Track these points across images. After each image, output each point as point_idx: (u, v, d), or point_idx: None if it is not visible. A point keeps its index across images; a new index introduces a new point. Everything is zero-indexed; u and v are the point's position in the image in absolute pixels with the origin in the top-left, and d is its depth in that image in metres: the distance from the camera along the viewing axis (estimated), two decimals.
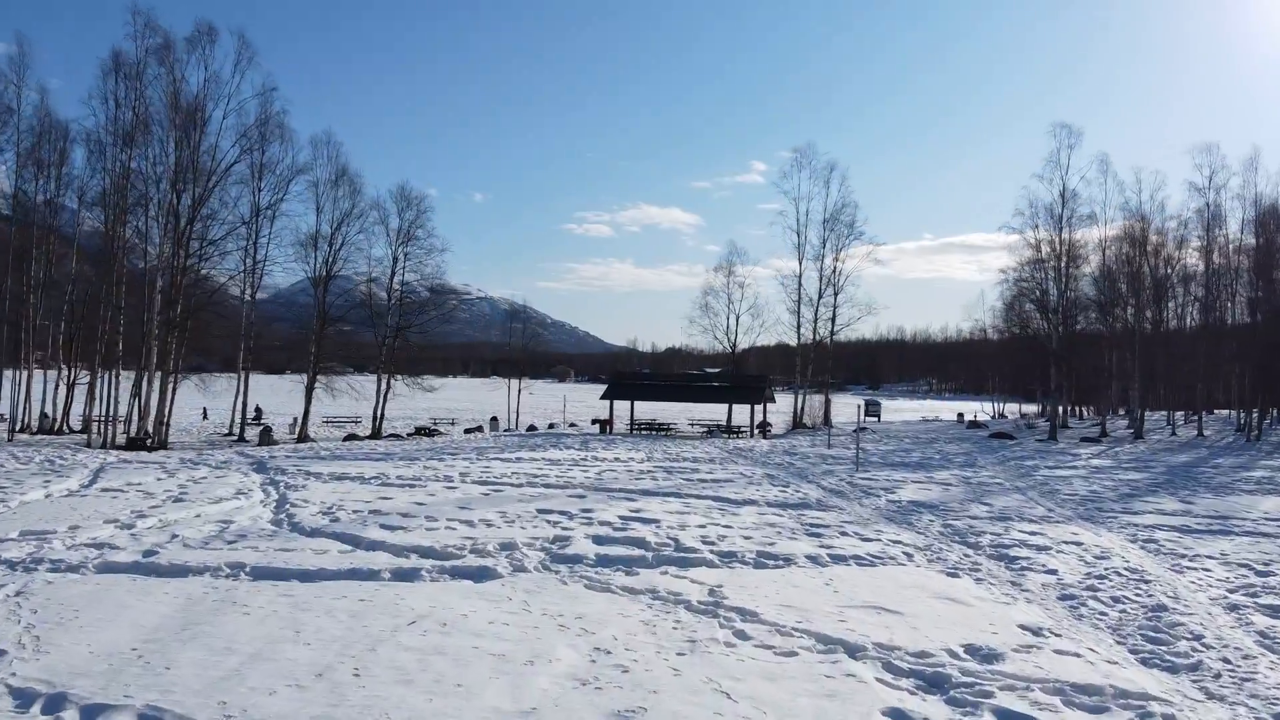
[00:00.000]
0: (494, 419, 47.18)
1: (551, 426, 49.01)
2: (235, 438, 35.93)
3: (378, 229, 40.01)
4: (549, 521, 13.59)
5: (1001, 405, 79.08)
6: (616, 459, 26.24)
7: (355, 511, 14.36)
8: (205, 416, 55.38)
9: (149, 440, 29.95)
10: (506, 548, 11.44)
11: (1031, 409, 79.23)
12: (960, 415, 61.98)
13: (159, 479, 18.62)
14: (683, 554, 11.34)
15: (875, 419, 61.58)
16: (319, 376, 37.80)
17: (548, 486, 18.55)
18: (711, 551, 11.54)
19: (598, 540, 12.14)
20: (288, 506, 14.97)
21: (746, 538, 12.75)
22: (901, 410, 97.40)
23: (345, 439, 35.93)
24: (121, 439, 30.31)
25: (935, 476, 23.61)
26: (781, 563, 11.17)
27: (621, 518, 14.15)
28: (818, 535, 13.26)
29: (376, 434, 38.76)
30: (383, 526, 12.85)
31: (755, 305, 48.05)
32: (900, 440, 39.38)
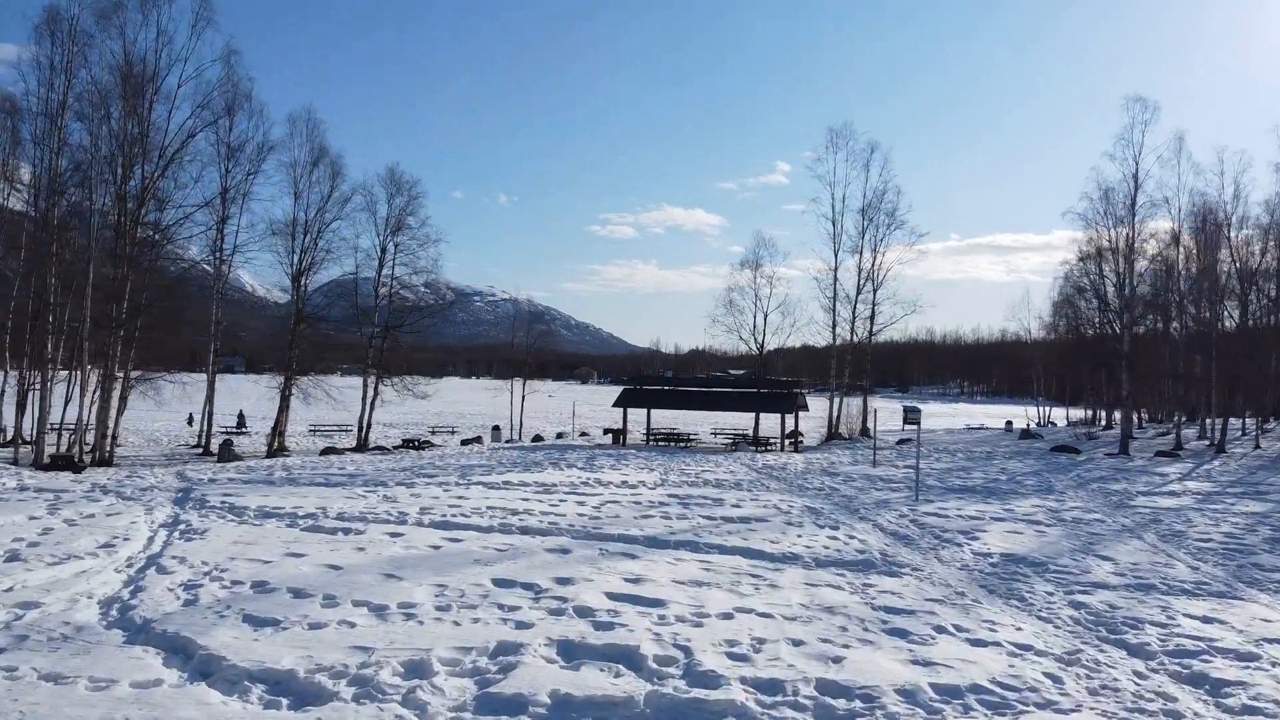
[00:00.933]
0: (496, 428, 42.96)
1: (560, 436, 44.77)
2: (201, 451, 31.96)
3: (364, 217, 36.00)
4: (501, 609, 9.25)
5: (1047, 410, 73.78)
6: (624, 482, 21.92)
7: (234, 583, 10.13)
8: (190, 423, 51.82)
9: (83, 457, 25.98)
10: (412, 673, 7.14)
11: (1077, 414, 73.95)
12: (1009, 423, 57.04)
13: (30, 518, 14.54)
14: (696, 688, 6.98)
15: (916, 427, 56.73)
16: (295, 380, 33.74)
17: (525, 532, 14.24)
18: (743, 681, 7.17)
19: (565, 651, 7.82)
20: (152, 570, 10.81)
21: (796, 642, 8.35)
22: (937, 415, 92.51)
23: (322, 452, 31.84)
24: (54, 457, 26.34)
25: (1015, 509, 19.10)
26: (860, 707, 6.76)
27: (610, 597, 9.80)
28: (902, 632, 8.84)
29: (361, 446, 34.67)
30: (247, 619, 8.60)
31: (785, 303, 43.47)
32: (953, 455, 34.72)
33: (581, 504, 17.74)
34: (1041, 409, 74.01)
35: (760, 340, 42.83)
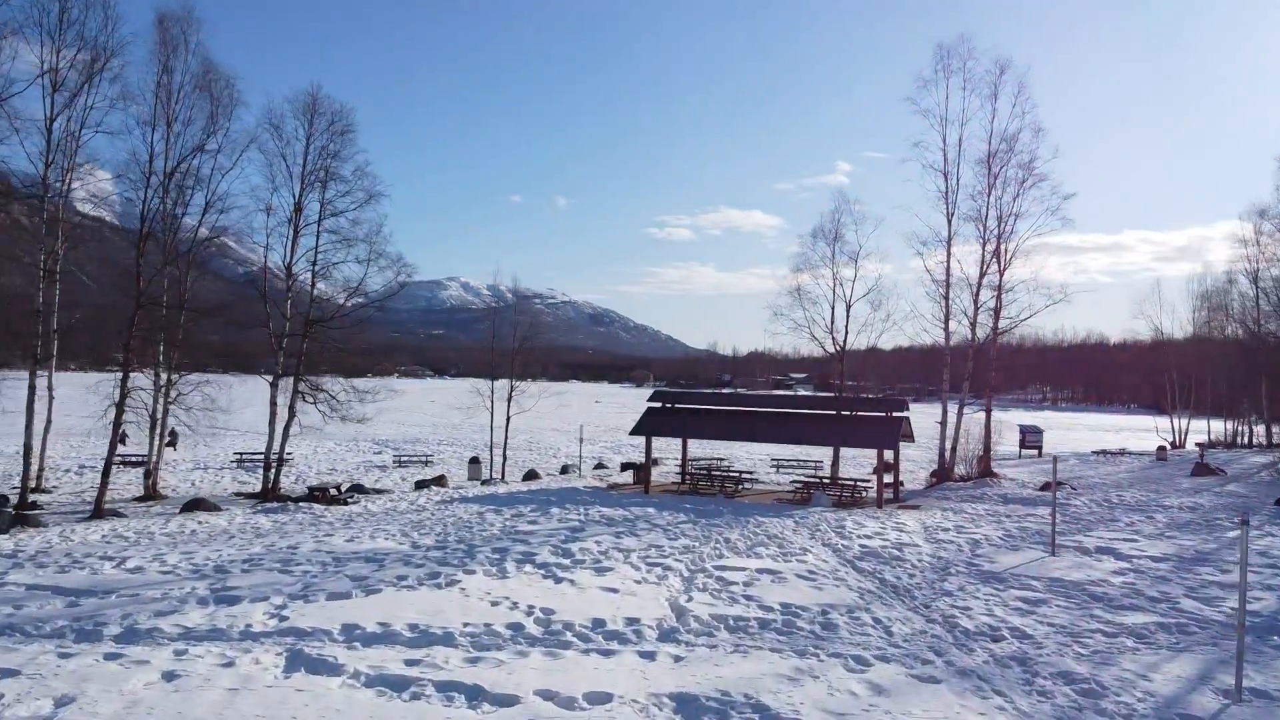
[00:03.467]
0: (474, 461, 31.97)
1: (565, 471, 33.62)
2: (17, 499, 21.66)
3: (276, 165, 25.35)
4: None
5: (1184, 423, 60.19)
6: (595, 624, 10.85)
7: None
8: (123, 440, 42.15)
9: None
10: None
11: (1218, 426, 60.46)
12: (1161, 449, 44.19)
13: None
14: None
15: (1035, 453, 44.36)
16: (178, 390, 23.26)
17: None
18: None
19: None
20: None
21: None
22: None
23: (186, 508, 21.22)
24: None
25: None
26: None
27: None
28: None
29: (267, 493, 24.11)
30: None
31: (876, 289, 31.15)
32: (1147, 515, 22.60)
33: None
34: (1178, 422, 60.51)
35: (842, 340, 30.98)
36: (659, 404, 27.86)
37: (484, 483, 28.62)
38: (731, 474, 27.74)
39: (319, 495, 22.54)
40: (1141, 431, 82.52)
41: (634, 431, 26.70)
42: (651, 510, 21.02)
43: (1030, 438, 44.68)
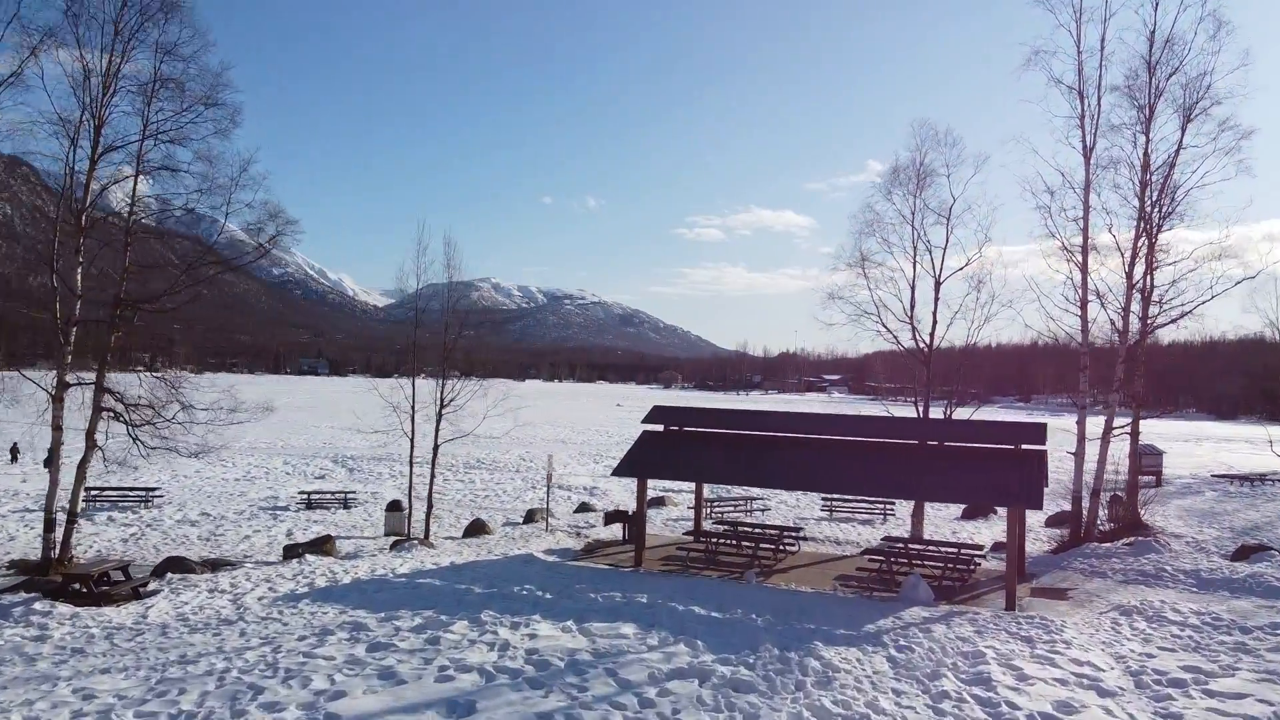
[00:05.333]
0: (394, 507, 22.78)
1: (529, 519, 24.44)
2: None
3: (68, 59, 16.66)
4: None
5: None
6: None
7: None
8: (14, 457, 34.60)
9: None
10: None
11: None
12: None
13: None
14: None
15: (1154, 480, 34.71)
16: None
17: None
18: None
19: None
20: None
21: None
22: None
23: None
24: None
25: None
26: None
27: None
28: None
29: (48, 566, 15.39)
30: None
31: (980, 267, 21.35)
32: None
33: None
34: None
35: (929, 332, 21.36)
36: (659, 427, 18.73)
37: (397, 544, 19.64)
38: (768, 531, 18.56)
39: (80, 589, 13.75)
40: (1220, 441, 72.00)
41: (618, 470, 17.61)
42: (631, 632, 11.73)
43: (1148, 461, 35.03)
